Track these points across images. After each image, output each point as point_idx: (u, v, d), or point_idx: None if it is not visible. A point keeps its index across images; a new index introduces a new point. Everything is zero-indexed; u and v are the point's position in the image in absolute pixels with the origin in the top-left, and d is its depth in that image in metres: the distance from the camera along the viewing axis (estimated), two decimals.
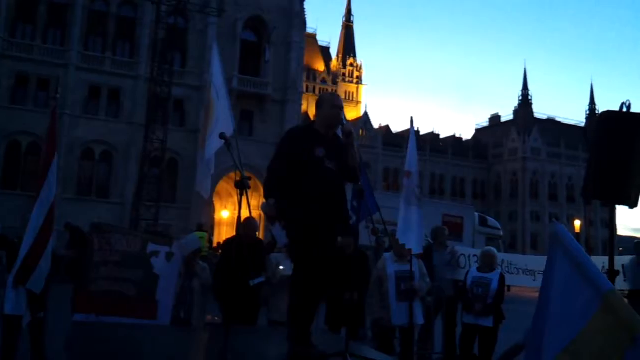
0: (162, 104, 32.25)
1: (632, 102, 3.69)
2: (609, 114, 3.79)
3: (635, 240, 10.37)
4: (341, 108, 4.13)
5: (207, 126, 5.60)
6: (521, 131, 69.42)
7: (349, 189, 4.24)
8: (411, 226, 6.44)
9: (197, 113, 38.02)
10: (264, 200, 3.79)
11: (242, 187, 3.39)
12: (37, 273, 5.35)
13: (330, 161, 3.90)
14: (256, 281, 5.78)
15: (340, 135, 4.08)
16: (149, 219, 30.06)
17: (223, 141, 4.03)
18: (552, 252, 2.20)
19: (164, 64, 32.53)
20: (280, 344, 4.00)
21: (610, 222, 3.83)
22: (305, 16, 46.03)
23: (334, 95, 4.32)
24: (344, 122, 4.11)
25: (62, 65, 37.22)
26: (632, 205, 3.71)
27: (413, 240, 6.41)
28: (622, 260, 8.93)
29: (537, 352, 2.10)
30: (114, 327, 5.25)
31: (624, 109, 3.61)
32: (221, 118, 5.29)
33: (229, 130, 4.87)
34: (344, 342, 3.77)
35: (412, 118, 8.02)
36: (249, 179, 3.47)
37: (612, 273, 3.58)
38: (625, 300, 2.15)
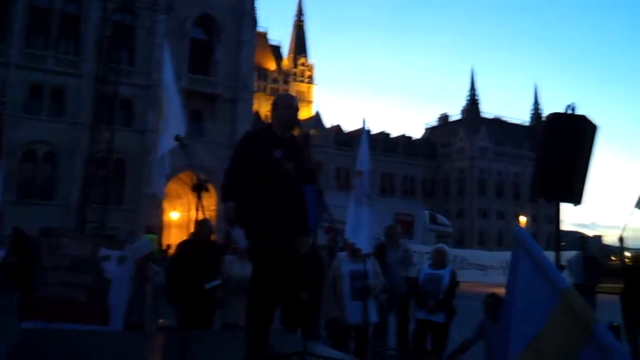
0: (109, 104, 31.42)
1: (575, 103, 3.86)
2: (555, 116, 3.96)
3: (578, 235, 10.86)
4: (297, 109, 4.15)
5: (159, 126, 5.51)
6: (469, 130, 71.36)
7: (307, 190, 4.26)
8: (361, 226, 6.50)
9: (145, 113, 37.20)
10: (223, 204, 3.76)
11: (199, 189, 3.36)
12: None
13: (288, 162, 3.91)
14: (212, 284, 5.74)
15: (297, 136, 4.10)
16: (95, 222, 29.23)
17: (175, 142, 3.97)
18: (515, 252, 2.31)
19: (111, 63, 31.71)
20: (237, 346, 3.98)
21: (556, 219, 4.00)
22: (256, 15, 45.78)
23: (290, 97, 4.34)
24: (301, 124, 4.12)
25: (2, 64, 35.67)
26: (576, 203, 3.89)
27: (363, 239, 6.48)
28: (568, 256, 9.35)
29: (504, 350, 2.20)
30: (64, 334, 5.07)
31: (569, 111, 3.78)
32: (171, 118, 5.19)
33: (181, 131, 4.80)
34: (301, 342, 3.78)
35: (364, 119, 8.14)
36: (206, 181, 3.44)
37: (557, 268, 3.74)
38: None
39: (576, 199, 3.87)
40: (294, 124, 4.07)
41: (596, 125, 3.87)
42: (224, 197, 3.86)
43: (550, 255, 7.48)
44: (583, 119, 3.80)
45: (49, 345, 4.51)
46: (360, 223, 6.58)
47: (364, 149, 6.91)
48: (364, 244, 6.52)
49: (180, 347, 3.27)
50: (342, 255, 6.90)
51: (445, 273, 7.18)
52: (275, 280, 3.87)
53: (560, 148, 3.76)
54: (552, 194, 3.88)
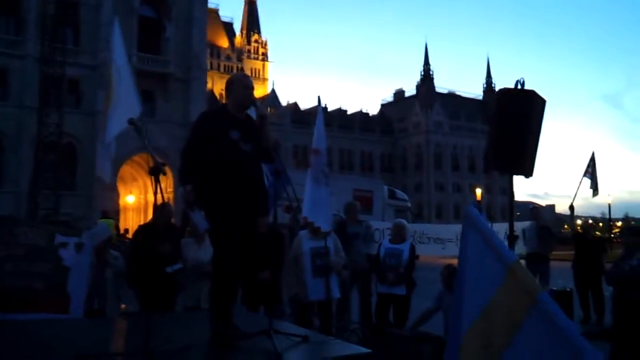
0: (56, 86, 30.30)
1: (525, 77, 3.98)
2: (505, 91, 4.07)
3: (531, 206, 11.26)
4: (252, 89, 4.13)
5: (107, 107, 5.29)
6: (424, 105, 72.32)
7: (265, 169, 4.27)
8: (320, 204, 6.55)
9: (95, 94, 36.04)
10: (181, 186, 3.73)
11: (156, 173, 3.32)
12: None
13: (245, 143, 3.90)
14: (174, 267, 5.71)
15: (254, 116, 4.08)
16: (48, 208, 28.39)
17: (126, 124, 3.88)
18: (465, 230, 2.44)
19: (56, 42, 30.47)
20: (201, 328, 4.00)
21: (510, 191, 4.14)
22: None
23: (245, 77, 4.30)
24: (257, 104, 4.11)
25: None
26: (528, 175, 4.03)
27: (322, 218, 6.53)
28: (522, 226, 9.69)
29: (458, 320, 2.35)
30: (23, 325, 4.96)
31: (519, 87, 3.90)
32: (123, 99, 5.02)
33: (135, 112, 4.66)
34: (266, 321, 3.83)
35: (319, 97, 8.11)
36: (164, 164, 3.40)
37: (511, 238, 3.90)
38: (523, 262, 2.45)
39: (528, 171, 4.02)
40: (249, 103, 4.05)
41: (544, 100, 4.00)
42: (182, 180, 3.83)
43: (504, 225, 7.78)
44: (532, 93, 3.93)
45: (6, 336, 4.41)
46: (318, 201, 6.62)
47: (319, 127, 6.92)
48: (323, 223, 6.58)
49: (145, 331, 3.26)
50: (303, 233, 6.95)
51: (404, 247, 7.35)
52: (239, 261, 3.89)
53: (511, 122, 3.88)
54: (505, 167, 4.01)
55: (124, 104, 4.87)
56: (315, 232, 6.77)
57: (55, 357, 3.76)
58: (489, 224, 5.66)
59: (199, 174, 3.82)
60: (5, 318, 5.14)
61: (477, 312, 2.23)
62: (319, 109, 7.79)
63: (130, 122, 3.66)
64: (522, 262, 9.79)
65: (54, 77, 30.18)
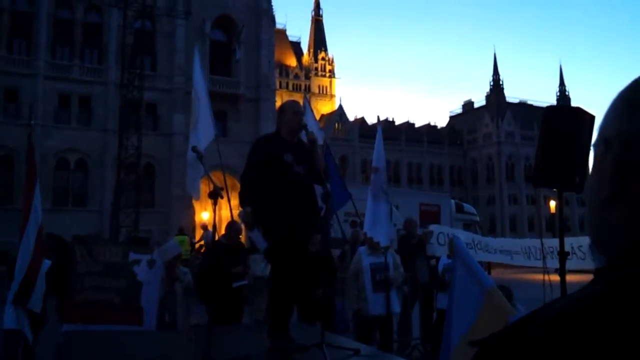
0: (135, 109, 32.12)
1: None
2: (552, 108, 4.11)
3: None
4: (302, 114, 4.39)
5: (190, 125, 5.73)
6: (494, 116, 70.43)
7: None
8: (379, 220, 6.73)
9: (170, 116, 37.89)
10: (242, 209, 4.03)
11: (215, 197, 3.62)
12: (35, 293, 5.57)
13: (298, 165, 4.15)
14: (239, 283, 6.04)
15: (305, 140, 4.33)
16: (129, 226, 29.97)
17: (203, 147, 4.24)
18: (454, 259, 2.60)
19: (134, 69, 32.36)
20: (261, 340, 4.24)
21: (559, 207, 4.15)
22: (274, 12, 46.09)
23: (294, 103, 4.58)
24: (308, 128, 4.35)
25: (30, 75, 36.75)
26: (578, 191, 4.03)
27: (381, 233, 6.69)
28: (587, 241, 9.34)
29: (448, 341, 2.49)
30: (101, 335, 5.42)
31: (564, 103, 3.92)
32: (201, 122, 5.37)
33: (210, 134, 4.99)
34: (320, 334, 4.02)
35: (378, 117, 8.36)
36: (222, 189, 3.70)
37: (562, 255, 3.89)
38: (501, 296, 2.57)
39: (578, 188, 4.01)
40: (299, 128, 4.31)
41: (593, 116, 4.00)
42: (242, 202, 4.12)
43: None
44: (579, 110, 3.94)
45: (89, 345, 4.84)
46: (377, 217, 6.79)
47: (379, 145, 7.11)
48: (382, 238, 6.73)
49: (206, 342, 3.54)
50: (362, 249, 7.12)
51: None
52: (295, 279, 4.12)
53: (558, 139, 3.91)
54: (553, 183, 4.03)
55: (200, 126, 5.25)
56: (374, 247, 6.92)
57: None
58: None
59: (257, 196, 4.10)
60: (86, 329, 5.63)
61: (462, 334, 2.37)
62: (378, 128, 7.97)
63: (193, 149, 4.00)
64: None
65: (132, 102, 32.02)
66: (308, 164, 4.17)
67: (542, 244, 7.39)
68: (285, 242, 4.06)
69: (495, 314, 2.24)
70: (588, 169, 4.19)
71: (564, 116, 3.95)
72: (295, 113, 4.30)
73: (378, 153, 7.03)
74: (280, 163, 4.11)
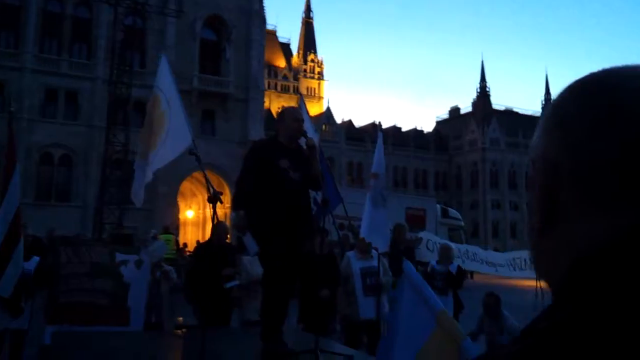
0: (123, 106, 31.86)
1: None
2: None
3: None
4: (302, 121, 4.41)
5: (150, 136, 5.54)
6: (480, 122, 71.02)
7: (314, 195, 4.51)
8: (378, 226, 6.77)
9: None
10: (234, 212, 4.03)
11: (214, 201, 3.63)
12: (3, 279, 5.41)
13: (294, 172, 4.16)
14: (230, 284, 6.03)
15: (304, 146, 4.35)
16: (112, 223, 29.70)
17: (178, 153, 4.23)
18: (400, 282, 2.63)
19: (123, 65, 32.11)
20: (253, 343, 4.25)
21: None
22: (265, 13, 46.00)
23: (295, 109, 4.60)
24: (307, 134, 4.37)
25: (17, 69, 36.30)
26: None
27: (379, 239, 6.74)
28: None
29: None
30: (88, 336, 5.38)
31: None
32: (173, 130, 5.20)
33: (187, 142, 4.90)
34: (313, 340, 4.04)
35: (380, 123, 8.41)
36: (221, 193, 3.71)
37: None
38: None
39: None
40: (299, 134, 4.32)
41: None
42: (235, 205, 4.13)
43: None
44: None
45: (76, 346, 4.81)
46: (376, 223, 6.83)
47: (379, 151, 7.15)
48: (380, 243, 6.76)
49: (201, 344, 3.54)
50: (351, 254, 7.14)
51: (451, 268, 7.41)
52: (285, 281, 4.14)
53: None
54: None
55: (174, 134, 5.16)
56: (365, 252, 6.94)
57: None
58: None
59: (250, 200, 4.11)
60: (72, 330, 5.58)
61: (411, 358, 2.39)
62: (379, 134, 8.01)
63: (191, 152, 4.00)
64: None
65: (121, 98, 31.77)
66: (305, 170, 4.19)
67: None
68: (275, 247, 4.07)
69: (447, 339, 2.28)
70: None
71: None
72: (296, 120, 4.32)
73: (379, 159, 7.09)
74: (275, 169, 4.13)
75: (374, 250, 6.74)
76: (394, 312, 2.66)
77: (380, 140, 7.18)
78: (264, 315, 4.24)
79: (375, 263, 6.78)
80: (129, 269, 6.38)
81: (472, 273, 14.03)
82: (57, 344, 4.96)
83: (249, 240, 4.03)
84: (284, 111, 4.47)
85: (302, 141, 4.42)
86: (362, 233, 6.86)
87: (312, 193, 4.64)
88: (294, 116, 4.34)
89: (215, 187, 4.11)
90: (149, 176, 5.40)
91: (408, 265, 2.70)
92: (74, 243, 6.52)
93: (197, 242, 28.42)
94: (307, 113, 7.17)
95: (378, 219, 6.74)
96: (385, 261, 7.18)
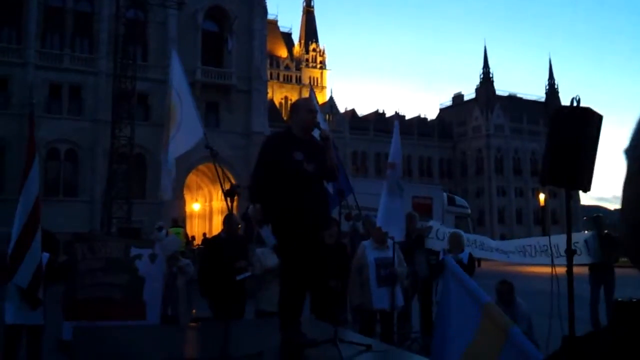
0: (127, 100, 31.87)
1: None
2: (561, 109, 4.17)
3: (594, 215, 10.98)
4: (316, 112, 4.41)
5: (169, 129, 5.63)
6: (484, 109, 70.75)
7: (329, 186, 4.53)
8: (394, 215, 6.80)
9: (162, 106, 37.47)
10: (250, 205, 4.06)
11: (232, 195, 3.65)
12: (22, 268, 5.46)
13: (308, 164, 4.18)
14: (243, 276, 6.08)
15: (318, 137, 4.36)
16: (120, 217, 29.83)
17: (190, 146, 4.25)
18: (446, 278, 2.67)
19: (126, 59, 32.08)
20: (271, 334, 4.29)
21: (567, 205, 4.22)
22: (266, 3, 45.81)
23: (309, 100, 4.61)
24: (321, 126, 4.39)
25: (20, 64, 36.33)
26: (585, 189, 4.10)
27: (396, 228, 6.77)
28: (584, 237, 9.54)
29: (441, 355, 2.56)
30: (106, 330, 5.43)
31: (574, 104, 3.98)
32: (185, 123, 5.27)
33: (198, 135, 4.96)
34: (332, 329, 4.07)
35: (397, 112, 8.41)
36: (238, 186, 3.73)
37: (569, 252, 3.97)
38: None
39: (585, 186, 4.08)
40: (313, 126, 4.34)
41: (600, 115, 4.06)
42: (252, 198, 4.15)
43: (562, 237, 7.58)
44: (587, 110, 4.00)
45: (96, 340, 4.86)
46: (392, 212, 6.86)
47: (396, 141, 7.16)
48: (397, 233, 6.79)
49: (224, 337, 3.58)
50: (367, 243, 7.16)
51: (463, 256, 7.44)
52: (303, 273, 4.17)
53: (566, 139, 3.97)
54: (560, 182, 4.10)
55: (186, 127, 5.21)
56: (380, 242, 6.96)
57: None
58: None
59: (267, 193, 4.13)
60: (89, 325, 5.64)
61: (461, 352, 2.43)
62: (395, 124, 7.99)
63: (207, 146, 4.02)
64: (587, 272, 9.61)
65: (125, 92, 31.76)
66: (320, 162, 4.21)
67: (549, 241, 7.48)
68: (293, 239, 4.10)
69: (494, 327, 2.32)
70: (594, 168, 4.27)
71: (573, 116, 4.01)
72: (310, 111, 4.33)
73: (395, 148, 7.09)
74: (290, 161, 4.15)
75: (389, 240, 6.76)
76: (442, 307, 2.71)
77: (396, 129, 7.19)
78: (282, 307, 4.28)
79: (390, 253, 6.80)
80: (144, 263, 6.43)
81: (479, 260, 14.08)
82: (78, 339, 5.02)
83: (266, 232, 4.06)
84: (298, 103, 4.47)
85: (316, 132, 4.43)
86: (378, 222, 6.89)
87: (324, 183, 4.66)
88: (308, 107, 4.35)
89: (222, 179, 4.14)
90: (173, 171, 5.46)
91: (450, 261, 2.72)
92: (89, 239, 6.57)
93: (204, 235, 28.57)
94: (317, 104, 7.17)
95: (394, 209, 6.76)
96: (400, 252, 7.21)
